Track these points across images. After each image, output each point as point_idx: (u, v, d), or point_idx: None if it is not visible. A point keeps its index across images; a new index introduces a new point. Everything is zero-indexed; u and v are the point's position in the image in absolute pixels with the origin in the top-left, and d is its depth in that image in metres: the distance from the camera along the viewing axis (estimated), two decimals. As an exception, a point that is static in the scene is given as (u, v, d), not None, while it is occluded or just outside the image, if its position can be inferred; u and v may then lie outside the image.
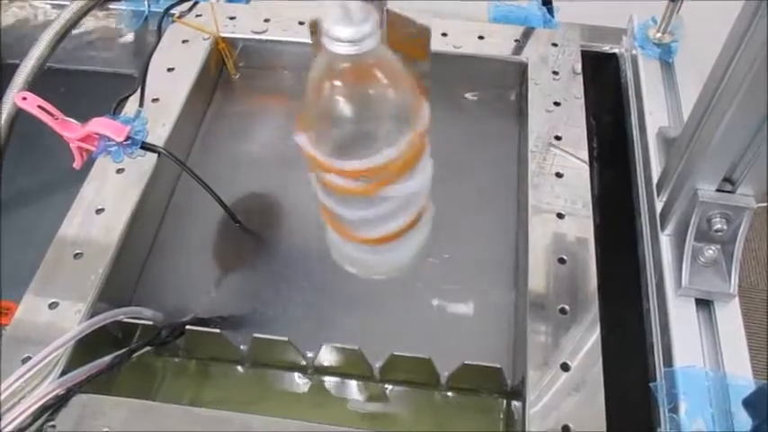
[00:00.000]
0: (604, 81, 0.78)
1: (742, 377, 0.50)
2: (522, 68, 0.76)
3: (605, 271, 0.58)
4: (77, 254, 0.59)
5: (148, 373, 0.61)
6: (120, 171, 0.64)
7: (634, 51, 0.75)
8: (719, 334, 0.53)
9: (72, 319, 0.55)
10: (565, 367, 0.52)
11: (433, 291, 0.64)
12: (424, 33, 0.46)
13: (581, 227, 0.61)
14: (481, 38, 0.77)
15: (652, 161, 0.64)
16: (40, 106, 0.58)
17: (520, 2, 0.80)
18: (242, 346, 0.60)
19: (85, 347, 0.54)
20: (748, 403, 0.46)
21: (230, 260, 0.67)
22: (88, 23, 0.84)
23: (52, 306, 0.55)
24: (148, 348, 0.57)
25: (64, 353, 0.53)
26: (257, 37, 0.78)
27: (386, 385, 0.60)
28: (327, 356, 0.59)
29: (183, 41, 0.76)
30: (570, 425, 0.49)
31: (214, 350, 0.61)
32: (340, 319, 0.63)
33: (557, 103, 0.70)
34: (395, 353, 0.55)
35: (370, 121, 0.42)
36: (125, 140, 0.62)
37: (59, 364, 0.52)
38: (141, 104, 0.66)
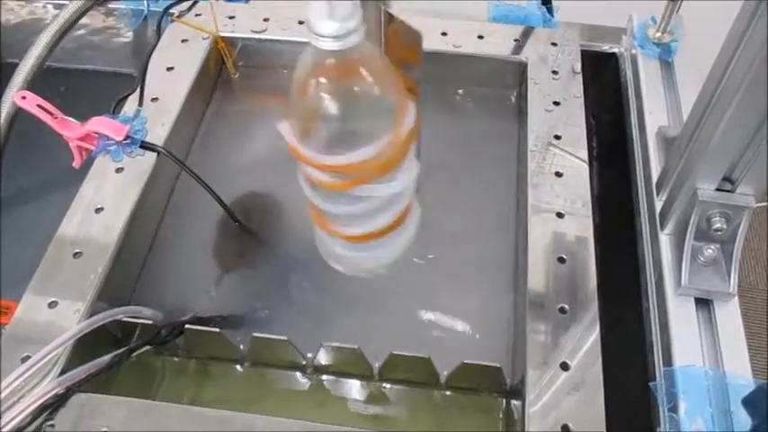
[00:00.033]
0: (604, 80, 0.78)
1: (741, 376, 0.50)
2: (522, 68, 0.76)
3: (605, 270, 0.58)
4: (77, 253, 0.59)
5: (148, 373, 0.61)
6: (119, 170, 0.64)
7: (633, 51, 0.75)
8: (719, 333, 0.53)
9: (71, 319, 0.55)
10: (564, 366, 0.52)
11: (432, 290, 0.64)
12: (417, 38, 0.46)
13: (580, 226, 0.61)
14: (481, 37, 0.77)
15: (651, 160, 0.64)
16: (39, 105, 0.58)
17: (519, 1, 0.80)
18: (241, 346, 0.60)
19: (85, 347, 0.54)
20: (748, 402, 0.46)
21: (230, 259, 0.67)
22: (88, 22, 0.84)
23: (51, 305, 0.55)
24: (148, 348, 0.57)
25: (63, 352, 0.53)
26: (257, 36, 0.78)
27: (385, 385, 0.60)
28: (327, 356, 0.59)
29: (183, 41, 0.76)
30: (570, 424, 0.49)
31: (214, 349, 0.61)
32: (339, 318, 0.63)
33: (556, 103, 0.70)
34: (394, 352, 0.55)
35: (354, 118, 0.42)
36: (124, 140, 0.62)
37: (59, 364, 0.52)
38: (141, 104, 0.66)
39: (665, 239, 0.58)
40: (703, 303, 0.55)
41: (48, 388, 0.50)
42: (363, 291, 0.65)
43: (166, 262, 0.67)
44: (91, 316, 0.54)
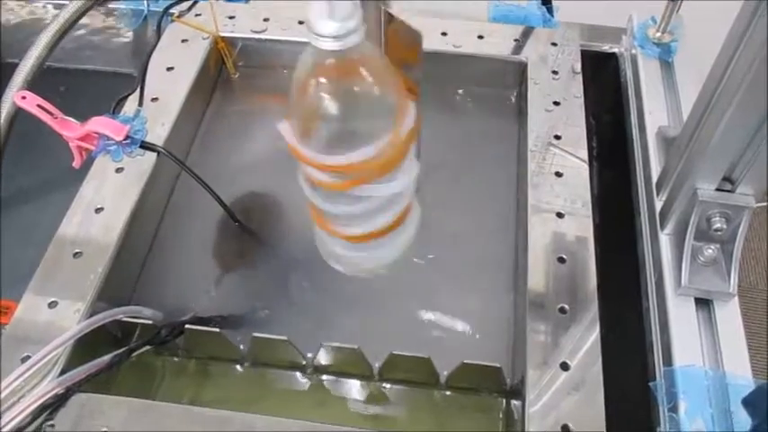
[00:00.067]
0: (604, 80, 0.78)
1: (741, 376, 0.50)
2: (522, 68, 0.76)
3: (605, 270, 0.58)
4: (77, 253, 0.59)
5: (148, 373, 0.61)
6: (119, 170, 0.64)
7: (633, 51, 0.75)
8: (719, 333, 0.53)
9: (71, 319, 0.55)
10: (564, 366, 0.52)
11: (432, 290, 0.64)
12: (417, 38, 0.46)
13: (580, 226, 0.61)
14: (481, 37, 0.77)
15: (651, 160, 0.64)
16: (39, 105, 0.58)
17: (519, 1, 0.80)
18: (241, 346, 0.60)
19: (85, 347, 0.54)
20: (748, 402, 0.46)
21: (230, 259, 0.67)
22: (88, 22, 0.84)
23: (51, 305, 0.55)
24: (148, 347, 0.57)
25: (63, 352, 0.53)
26: (257, 36, 0.78)
27: (385, 385, 0.60)
28: (327, 356, 0.58)
29: (183, 41, 0.76)
30: (570, 424, 0.49)
31: (214, 349, 0.61)
32: (339, 318, 0.63)
33: (556, 103, 0.70)
34: (394, 352, 0.55)
35: (354, 118, 0.42)
36: (124, 140, 0.62)
37: (59, 364, 0.52)
38: (141, 104, 0.66)
39: (665, 239, 0.58)
40: (703, 303, 0.55)
41: (48, 388, 0.50)
42: (363, 291, 0.65)
43: (166, 262, 0.67)
44: (91, 316, 0.54)
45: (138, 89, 0.66)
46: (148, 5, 0.83)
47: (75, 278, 0.57)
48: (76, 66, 0.86)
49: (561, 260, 0.58)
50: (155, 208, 0.68)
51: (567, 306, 0.56)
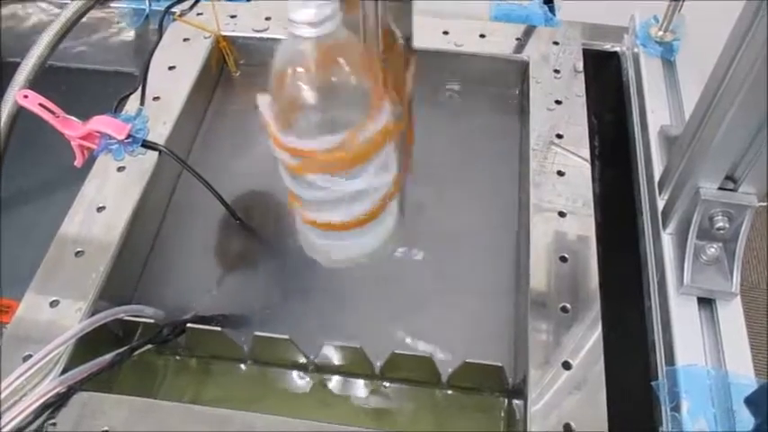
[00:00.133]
0: (606, 79, 0.78)
1: (744, 375, 0.50)
2: (524, 67, 0.76)
3: (607, 269, 0.58)
4: (78, 252, 0.59)
5: (149, 372, 0.61)
6: (121, 169, 0.64)
7: (636, 50, 0.75)
8: (721, 332, 0.53)
9: (73, 318, 0.55)
10: (566, 366, 0.52)
11: (433, 289, 0.64)
12: (409, 64, 0.46)
13: (582, 225, 0.60)
14: (482, 36, 0.77)
15: (654, 159, 0.64)
16: (41, 104, 0.58)
17: (521, 0, 0.80)
18: (243, 345, 0.60)
19: (86, 346, 0.54)
20: (750, 402, 0.46)
21: (231, 258, 0.67)
22: (89, 22, 0.84)
23: (53, 304, 0.55)
24: (149, 346, 0.57)
25: (65, 351, 0.53)
26: (258, 35, 0.78)
27: (387, 384, 0.60)
28: (329, 355, 0.58)
29: (184, 40, 0.76)
30: (572, 423, 0.49)
31: (215, 348, 0.61)
32: (341, 317, 0.63)
33: (558, 102, 0.70)
34: (396, 351, 0.55)
35: (332, 108, 0.41)
36: (126, 138, 0.62)
37: (60, 363, 0.52)
38: (142, 103, 0.66)
39: (667, 238, 0.58)
40: (706, 302, 0.55)
41: (49, 387, 0.50)
42: (365, 289, 0.65)
43: (168, 261, 0.67)
44: (92, 315, 0.54)
45: (140, 88, 0.66)
46: (150, 5, 0.83)
47: (77, 277, 0.57)
48: (78, 65, 0.86)
49: (563, 259, 0.58)
50: (156, 207, 0.68)
51: (568, 305, 0.55)
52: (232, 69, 0.81)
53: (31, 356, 0.50)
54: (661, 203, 0.60)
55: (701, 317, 0.54)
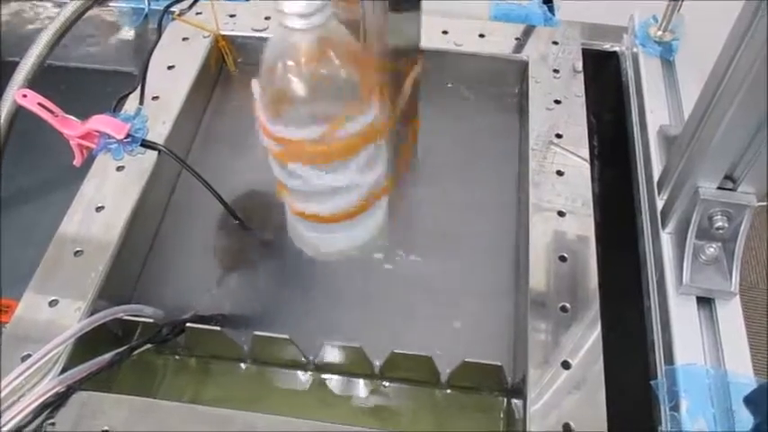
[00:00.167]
0: (605, 79, 0.78)
1: (743, 375, 0.50)
2: (523, 66, 0.76)
3: (606, 269, 0.58)
4: (77, 251, 0.59)
5: (149, 371, 0.61)
6: (120, 169, 0.64)
7: (635, 49, 0.75)
8: (720, 332, 0.53)
9: (72, 317, 0.55)
10: (566, 365, 0.52)
11: (433, 289, 0.64)
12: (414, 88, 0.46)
13: (582, 225, 0.61)
14: (482, 36, 0.77)
15: (653, 159, 0.64)
16: (40, 103, 0.58)
17: (520, 0, 0.80)
18: (243, 344, 0.60)
19: (86, 345, 0.54)
20: (749, 401, 0.46)
21: (231, 258, 0.67)
22: (88, 21, 0.84)
23: (52, 304, 0.55)
24: (149, 346, 0.57)
25: (64, 350, 0.53)
26: (257, 35, 0.78)
27: (386, 383, 0.60)
28: (329, 354, 0.58)
29: (184, 39, 0.76)
30: (571, 423, 0.49)
31: (215, 348, 0.61)
32: (341, 316, 0.63)
33: (557, 102, 0.70)
34: (395, 351, 0.55)
35: (320, 101, 0.41)
36: (125, 138, 0.61)
37: (59, 362, 0.52)
38: (141, 102, 0.66)
39: (666, 238, 0.58)
40: (705, 302, 0.55)
41: (48, 386, 0.50)
42: (365, 288, 0.65)
43: (167, 260, 0.67)
44: (92, 314, 0.54)
45: (139, 87, 0.66)
46: (149, 4, 0.83)
47: (76, 277, 0.57)
48: (77, 64, 0.86)
49: (562, 259, 0.58)
50: (156, 206, 0.68)
51: (568, 305, 0.56)
52: (231, 69, 0.81)
53: (30, 356, 0.50)
54: (660, 203, 0.60)
55: (700, 316, 0.54)
